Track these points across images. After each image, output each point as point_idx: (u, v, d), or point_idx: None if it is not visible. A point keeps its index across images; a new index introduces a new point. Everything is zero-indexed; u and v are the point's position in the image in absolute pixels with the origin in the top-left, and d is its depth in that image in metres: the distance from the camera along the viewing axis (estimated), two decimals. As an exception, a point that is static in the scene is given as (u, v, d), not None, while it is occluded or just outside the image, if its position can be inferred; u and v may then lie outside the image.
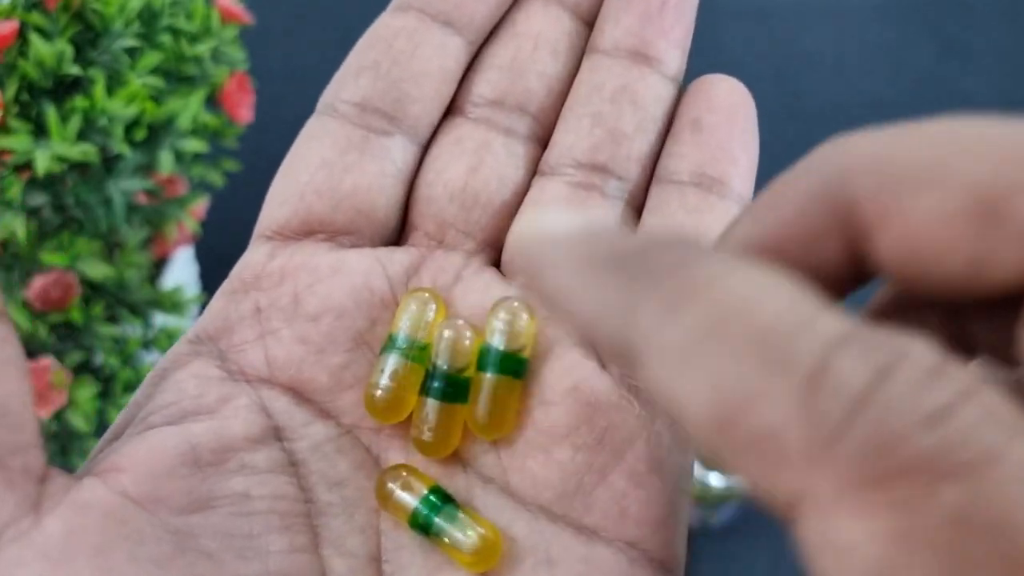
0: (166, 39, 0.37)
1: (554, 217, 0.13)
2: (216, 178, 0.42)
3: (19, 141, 0.34)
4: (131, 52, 0.36)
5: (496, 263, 0.21)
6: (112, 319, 0.41)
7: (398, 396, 0.19)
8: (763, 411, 0.10)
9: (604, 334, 0.12)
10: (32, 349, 0.38)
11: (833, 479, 0.10)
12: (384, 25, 0.21)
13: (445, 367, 0.19)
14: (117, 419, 0.19)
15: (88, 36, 0.36)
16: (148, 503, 0.17)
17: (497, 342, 0.19)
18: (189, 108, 0.37)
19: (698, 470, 0.45)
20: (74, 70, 0.35)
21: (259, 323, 0.19)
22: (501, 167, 0.21)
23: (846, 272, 0.13)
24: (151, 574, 0.16)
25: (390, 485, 0.18)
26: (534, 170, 0.22)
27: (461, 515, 0.18)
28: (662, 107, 0.21)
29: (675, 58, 0.22)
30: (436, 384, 0.19)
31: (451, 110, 0.22)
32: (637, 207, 0.21)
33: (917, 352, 0.10)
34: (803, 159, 0.13)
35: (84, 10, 0.35)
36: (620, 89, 0.21)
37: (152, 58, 0.36)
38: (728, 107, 0.21)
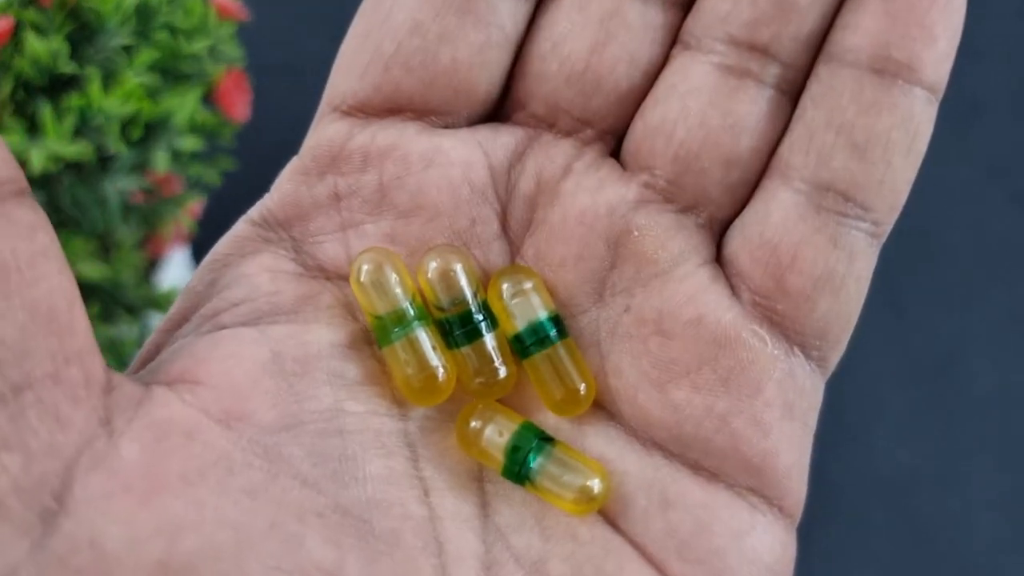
0: (162, 36, 0.36)
1: None
2: (212, 177, 0.42)
3: (14, 139, 0.33)
4: (127, 49, 0.36)
5: (616, 153, 0.18)
6: (107, 319, 0.40)
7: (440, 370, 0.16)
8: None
9: None
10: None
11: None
12: None
13: (451, 305, 0.17)
14: (172, 309, 0.17)
15: (83, 33, 0.35)
16: (232, 421, 0.15)
17: (519, 323, 0.17)
18: (185, 106, 0.37)
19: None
20: (69, 68, 0.34)
21: (339, 212, 0.17)
22: (633, 43, 0.17)
23: None
24: (243, 505, 0.14)
25: (473, 425, 0.16)
26: (672, 40, 0.17)
27: (559, 454, 0.16)
28: None
29: None
30: (465, 327, 0.17)
31: None
32: (795, 94, 0.17)
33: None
34: None
35: (79, 7, 0.35)
36: None
37: (148, 55, 0.36)
38: None
